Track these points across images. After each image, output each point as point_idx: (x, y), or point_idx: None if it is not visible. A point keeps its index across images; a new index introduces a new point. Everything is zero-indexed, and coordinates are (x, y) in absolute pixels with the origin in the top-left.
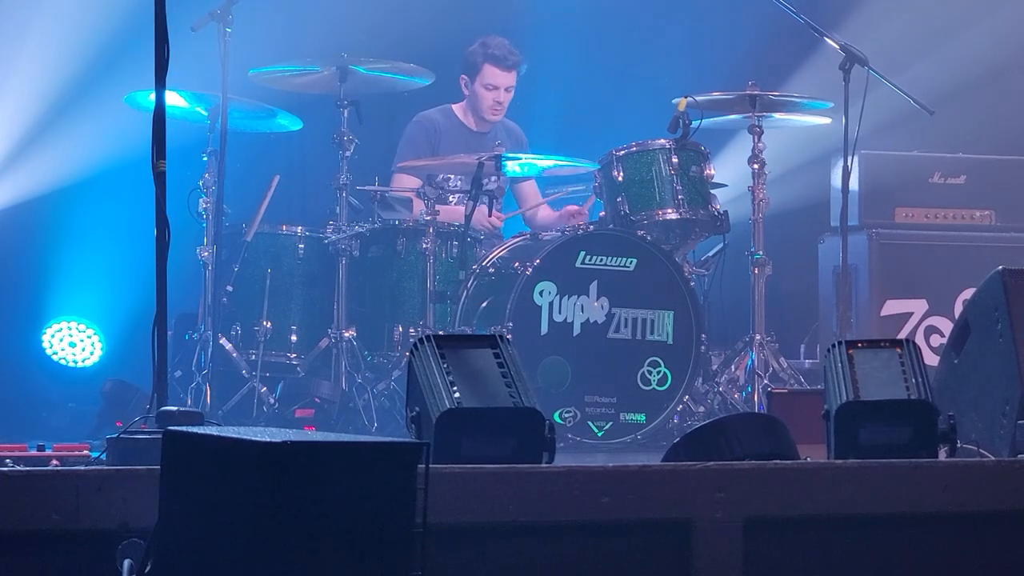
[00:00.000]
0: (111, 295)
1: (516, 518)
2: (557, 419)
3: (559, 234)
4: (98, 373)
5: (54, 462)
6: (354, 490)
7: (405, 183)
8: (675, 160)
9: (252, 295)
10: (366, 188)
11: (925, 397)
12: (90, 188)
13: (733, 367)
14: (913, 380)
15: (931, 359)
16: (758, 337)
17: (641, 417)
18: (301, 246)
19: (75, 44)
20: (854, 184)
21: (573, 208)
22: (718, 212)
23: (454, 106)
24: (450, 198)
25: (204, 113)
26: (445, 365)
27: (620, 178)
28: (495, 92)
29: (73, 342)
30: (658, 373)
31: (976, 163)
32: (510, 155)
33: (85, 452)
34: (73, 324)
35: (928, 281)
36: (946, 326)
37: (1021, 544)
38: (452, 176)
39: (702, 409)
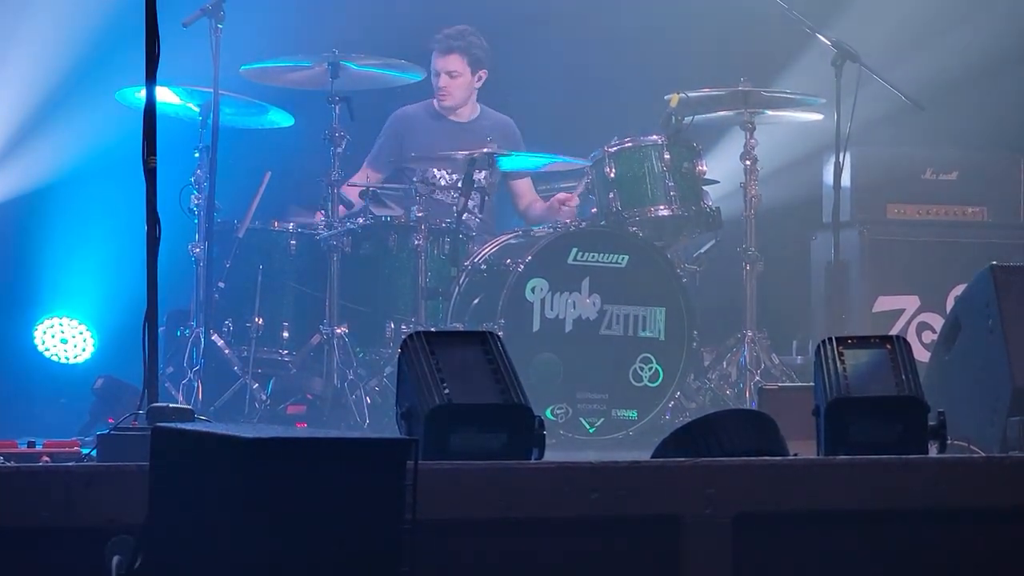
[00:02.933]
0: (103, 291)
1: (505, 514)
2: (549, 415)
3: (551, 231)
4: (90, 369)
5: (44, 458)
6: (343, 486)
7: (370, 177)
8: (667, 156)
9: (244, 291)
10: (357, 184)
11: (915, 393)
12: (82, 184)
13: (725, 363)
14: (903, 376)
15: (923, 355)
16: (750, 333)
17: (633, 413)
18: (293, 242)
19: (66, 40)
20: (846, 180)
21: (563, 195)
22: (710, 209)
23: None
24: (437, 194)
25: (195, 109)
26: (435, 361)
27: (612, 174)
28: (438, 77)
29: (65, 338)
30: (650, 369)
31: (968, 159)
32: (501, 152)
33: (76, 448)
34: (65, 320)
35: (920, 277)
36: (938, 322)
37: (1011, 540)
38: (438, 171)
39: (694, 405)
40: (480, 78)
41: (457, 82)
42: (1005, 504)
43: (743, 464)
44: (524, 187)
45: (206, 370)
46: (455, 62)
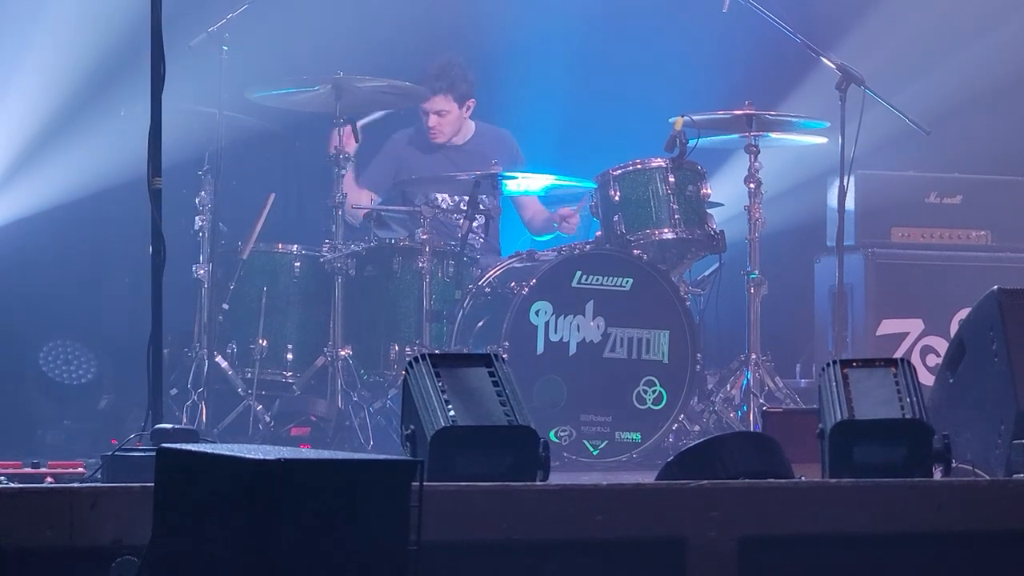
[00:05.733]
0: (108, 313)
1: (510, 536)
2: (553, 437)
3: (555, 254)
4: (94, 391)
5: (48, 479)
6: (348, 508)
7: (362, 199)
8: (672, 179)
9: (248, 313)
10: (361, 206)
11: (919, 416)
12: (87, 206)
13: (729, 386)
14: (908, 399)
15: (927, 379)
16: (754, 356)
17: (636, 436)
18: (297, 264)
19: (73, 62)
20: (850, 204)
21: (565, 211)
22: (714, 231)
23: None
24: (442, 216)
25: (201, 130)
26: (440, 383)
27: (616, 197)
28: (427, 116)
29: (70, 360)
30: (654, 392)
31: (972, 183)
32: (507, 173)
33: (80, 469)
34: (69, 342)
35: (924, 301)
36: (942, 346)
37: (1015, 563)
38: (439, 195)
39: (697, 428)
40: (468, 107)
41: (446, 119)
42: (1009, 527)
43: (747, 487)
44: (529, 198)
45: (210, 392)
46: (441, 102)
